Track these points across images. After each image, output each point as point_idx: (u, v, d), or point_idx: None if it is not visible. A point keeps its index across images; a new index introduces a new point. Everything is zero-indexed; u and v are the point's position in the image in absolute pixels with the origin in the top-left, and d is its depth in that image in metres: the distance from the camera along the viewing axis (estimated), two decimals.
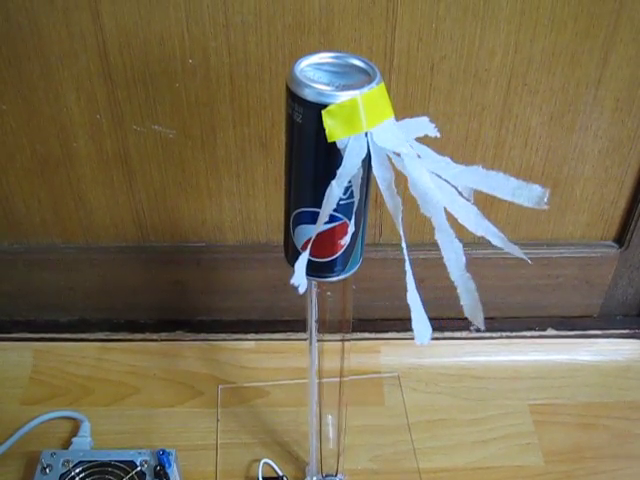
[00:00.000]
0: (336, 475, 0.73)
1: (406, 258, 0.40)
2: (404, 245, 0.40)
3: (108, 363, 0.88)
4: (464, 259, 0.39)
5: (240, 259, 0.86)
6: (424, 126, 0.41)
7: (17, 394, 0.84)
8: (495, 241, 0.39)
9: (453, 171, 0.38)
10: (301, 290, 0.39)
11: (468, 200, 0.39)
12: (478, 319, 0.39)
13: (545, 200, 0.35)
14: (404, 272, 0.39)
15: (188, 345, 0.90)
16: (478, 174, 0.37)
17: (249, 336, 0.91)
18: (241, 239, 0.85)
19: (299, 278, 0.39)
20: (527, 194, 0.35)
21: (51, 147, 0.76)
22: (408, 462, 0.79)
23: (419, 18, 0.68)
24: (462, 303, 0.39)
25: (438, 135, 0.40)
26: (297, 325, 0.90)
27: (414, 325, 0.38)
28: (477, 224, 0.39)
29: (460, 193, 0.39)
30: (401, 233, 0.40)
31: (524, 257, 0.38)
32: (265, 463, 0.76)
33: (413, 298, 0.39)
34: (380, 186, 0.40)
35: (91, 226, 0.84)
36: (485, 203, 0.81)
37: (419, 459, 0.79)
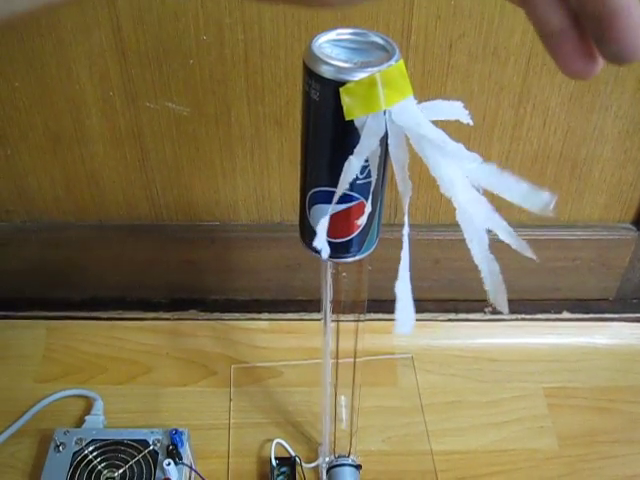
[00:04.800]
0: (348, 456, 0.73)
1: (406, 245, 0.39)
2: (405, 232, 0.39)
3: (121, 342, 0.88)
4: (487, 240, 0.38)
5: (254, 238, 0.86)
6: (456, 111, 0.40)
7: (30, 372, 0.85)
8: (504, 236, 0.37)
9: (469, 166, 0.37)
10: (324, 255, 0.38)
11: (477, 190, 0.38)
12: (502, 303, 0.38)
13: (551, 207, 0.34)
14: (400, 258, 0.38)
15: (201, 324, 0.90)
16: (492, 173, 0.36)
17: (262, 316, 0.91)
18: (255, 218, 0.85)
19: (321, 241, 0.39)
20: (534, 199, 0.34)
21: (64, 124, 0.76)
22: (421, 444, 0.78)
23: None
24: (486, 287, 0.38)
25: (471, 123, 0.39)
26: (310, 305, 0.89)
27: (397, 314, 0.37)
28: (487, 217, 0.38)
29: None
30: (405, 218, 0.39)
31: (533, 256, 0.37)
32: (278, 443, 0.76)
33: (403, 287, 0.37)
34: (394, 167, 0.39)
35: (104, 204, 0.83)
36: None
37: (432, 441, 0.78)
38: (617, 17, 0.25)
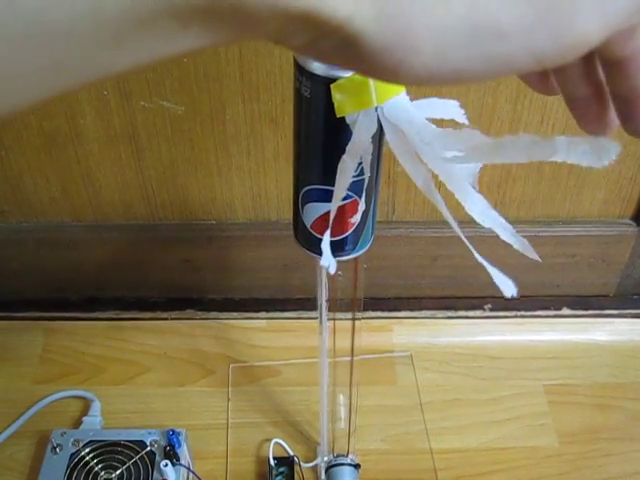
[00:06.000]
0: (347, 455, 0.73)
1: (455, 227, 0.37)
2: (448, 215, 0.37)
3: (119, 342, 0.88)
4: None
5: (251, 237, 0.85)
6: (452, 110, 0.39)
7: (28, 373, 0.84)
8: (503, 235, 0.37)
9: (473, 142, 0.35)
10: (332, 270, 0.38)
11: (474, 187, 0.37)
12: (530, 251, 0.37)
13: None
14: (461, 239, 0.37)
15: (199, 324, 0.89)
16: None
17: (260, 315, 0.90)
18: (252, 217, 0.84)
19: (328, 259, 0.38)
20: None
21: (58, 124, 0.75)
22: (420, 442, 0.78)
23: None
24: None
25: (466, 122, 0.38)
26: (309, 303, 0.89)
27: (496, 282, 0.36)
28: (484, 215, 0.37)
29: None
30: (440, 204, 0.37)
31: (534, 255, 0.36)
32: (276, 443, 0.76)
33: (481, 259, 0.37)
34: (402, 162, 0.38)
35: (100, 204, 0.83)
36: (500, 181, 0.80)
37: (431, 439, 0.78)
38: None
